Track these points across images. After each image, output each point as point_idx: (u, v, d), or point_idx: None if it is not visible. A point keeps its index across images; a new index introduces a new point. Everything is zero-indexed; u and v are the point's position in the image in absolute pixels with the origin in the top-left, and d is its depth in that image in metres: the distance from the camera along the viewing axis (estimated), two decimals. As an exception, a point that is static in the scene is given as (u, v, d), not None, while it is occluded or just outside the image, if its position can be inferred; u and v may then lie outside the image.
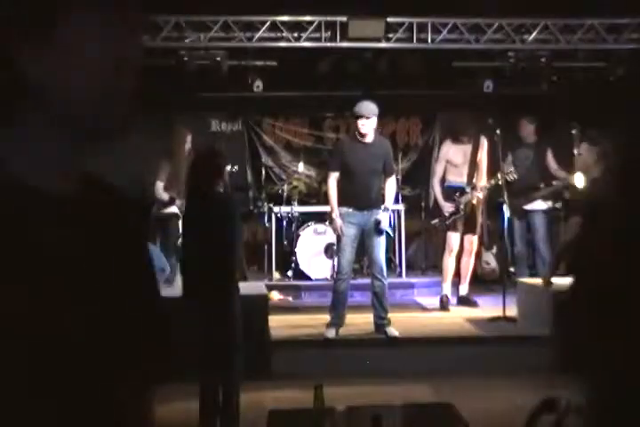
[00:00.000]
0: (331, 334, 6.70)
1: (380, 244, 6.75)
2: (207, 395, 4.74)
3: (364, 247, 6.93)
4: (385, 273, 6.81)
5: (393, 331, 6.73)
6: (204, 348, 4.77)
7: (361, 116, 6.57)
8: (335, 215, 6.74)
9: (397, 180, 8.47)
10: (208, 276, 4.76)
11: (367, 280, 7.24)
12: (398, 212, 9.47)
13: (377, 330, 6.78)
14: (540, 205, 8.31)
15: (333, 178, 6.79)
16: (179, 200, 8.03)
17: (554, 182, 8.19)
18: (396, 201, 9.14)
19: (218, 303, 4.76)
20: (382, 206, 6.78)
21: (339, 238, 6.83)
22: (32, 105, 0.94)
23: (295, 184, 9.83)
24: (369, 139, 6.69)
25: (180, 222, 7.97)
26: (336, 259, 8.87)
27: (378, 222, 6.69)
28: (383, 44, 7.97)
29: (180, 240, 7.91)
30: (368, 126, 6.61)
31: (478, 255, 8.71)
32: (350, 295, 7.08)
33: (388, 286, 6.87)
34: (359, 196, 6.68)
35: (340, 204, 6.73)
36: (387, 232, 6.94)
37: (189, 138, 8.24)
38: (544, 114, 8.52)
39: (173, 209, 8.05)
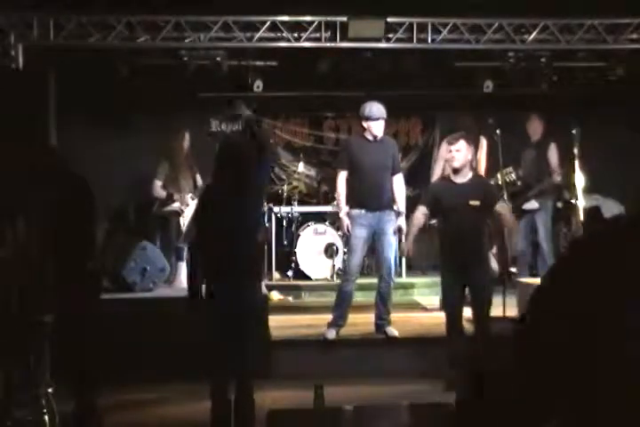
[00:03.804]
0: (331, 334, 6.70)
1: (391, 245, 6.79)
2: (220, 395, 4.71)
3: (374, 248, 6.93)
4: (393, 275, 6.87)
5: (393, 331, 6.74)
6: (218, 346, 4.75)
7: (374, 119, 6.62)
8: (342, 214, 6.76)
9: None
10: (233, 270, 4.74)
11: (368, 280, 7.25)
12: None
13: (377, 330, 6.79)
14: (534, 204, 8.30)
15: (342, 176, 6.81)
16: (177, 194, 8.04)
17: (555, 180, 8.19)
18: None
19: (239, 300, 4.73)
20: (395, 207, 6.81)
21: (346, 238, 6.85)
22: None
23: (295, 184, 9.82)
24: (377, 138, 6.74)
25: (183, 219, 7.99)
26: (338, 259, 8.89)
27: (399, 229, 6.80)
28: (383, 44, 7.96)
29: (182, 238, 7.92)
30: (380, 128, 6.69)
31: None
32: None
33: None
34: (370, 196, 6.68)
35: (351, 205, 6.74)
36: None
37: (188, 137, 8.25)
38: (549, 115, 8.52)
39: (173, 206, 8.06)
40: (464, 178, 6.03)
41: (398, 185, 6.87)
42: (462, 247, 5.96)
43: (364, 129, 6.77)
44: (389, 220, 6.74)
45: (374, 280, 7.19)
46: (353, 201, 6.74)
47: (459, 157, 5.96)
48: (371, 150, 6.71)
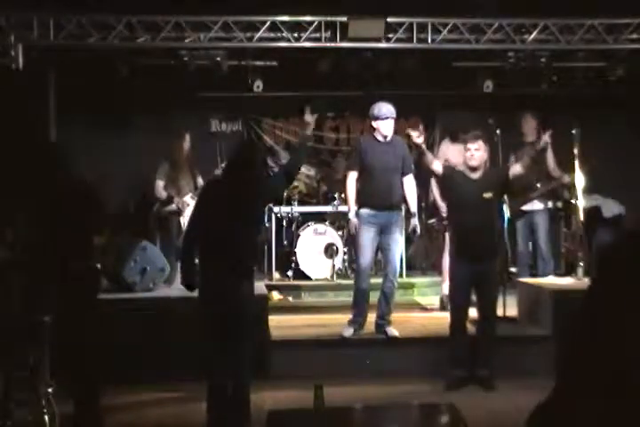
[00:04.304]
0: (348, 332, 6.70)
1: (398, 245, 6.81)
2: (216, 394, 4.71)
3: (381, 247, 6.93)
4: (397, 275, 6.87)
5: (393, 331, 6.73)
6: (216, 345, 4.75)
7: (383, 118, 6.64)
8: (351, 216, 6.78)
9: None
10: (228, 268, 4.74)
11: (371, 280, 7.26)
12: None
13: (377, 330, 6.78)
14: (537, 205, 8.29)
15: (352, 177, 6.82)
16: (177, 198, 8.06)
17: (553, 182, 8.19)
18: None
19: (236, 298, 4.73)
20: (405, 208, 6.87)
21: (352, 238, 6.87)
22: None
23: (295, 184, 9.80)
24: (387, 138, 6.75)
25: (183, 218, 7.99)
26: (338, 259, 8.91)
27: (414, 231, 6.99)
28: (383, 44, 7.96)
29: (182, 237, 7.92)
30: (390, 127, 6.71)
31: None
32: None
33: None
34: (379, 196, 6.69)
35: (361, 205, 6.75)
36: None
37: (188, 137, 8.25)
38: (544, 114, 8.51)
39: (174, 207, 8.07)
40: (478, 174, 6.13)
41: (409, 186, 6.87)
42: (474, 245, 6.00)
43: (374, 129, 6.78)
44: (397, 220, 6.77)
45: (376, 280, 7.18)
46: (362, 200, 6.76)
47: (477, 156, 6.08)
48: (381, 151, 6.72)
